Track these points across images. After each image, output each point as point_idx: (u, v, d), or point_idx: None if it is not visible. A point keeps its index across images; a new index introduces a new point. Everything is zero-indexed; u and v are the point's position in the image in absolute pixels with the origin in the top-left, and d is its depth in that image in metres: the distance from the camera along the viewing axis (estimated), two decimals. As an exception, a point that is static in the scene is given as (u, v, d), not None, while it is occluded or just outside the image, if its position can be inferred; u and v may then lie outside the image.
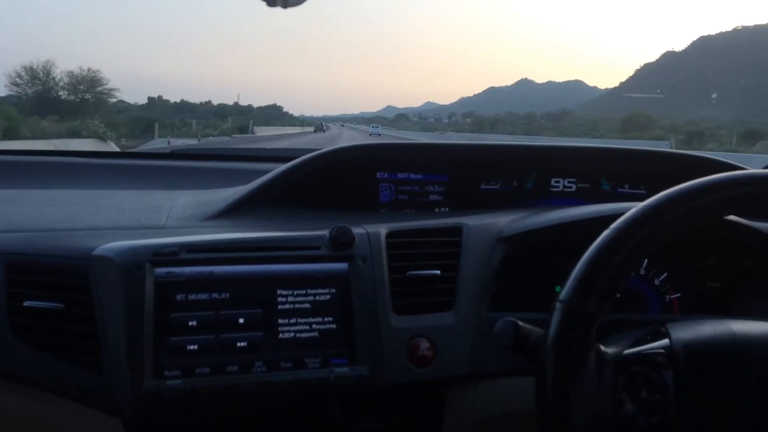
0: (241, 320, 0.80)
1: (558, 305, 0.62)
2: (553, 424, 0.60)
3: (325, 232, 0.87)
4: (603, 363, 0.62)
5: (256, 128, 40.96)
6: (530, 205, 1.19)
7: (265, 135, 35.93)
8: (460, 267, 0.92)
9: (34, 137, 18.77)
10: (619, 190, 1.23)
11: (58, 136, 20.37)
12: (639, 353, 0.64)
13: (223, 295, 0.81)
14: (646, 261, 1.04)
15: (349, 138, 28.88)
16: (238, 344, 0.79)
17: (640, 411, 0.60)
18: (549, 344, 0.61)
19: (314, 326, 0.82)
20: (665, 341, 0.63)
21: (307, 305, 0.83)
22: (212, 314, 0.80)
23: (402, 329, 0.86)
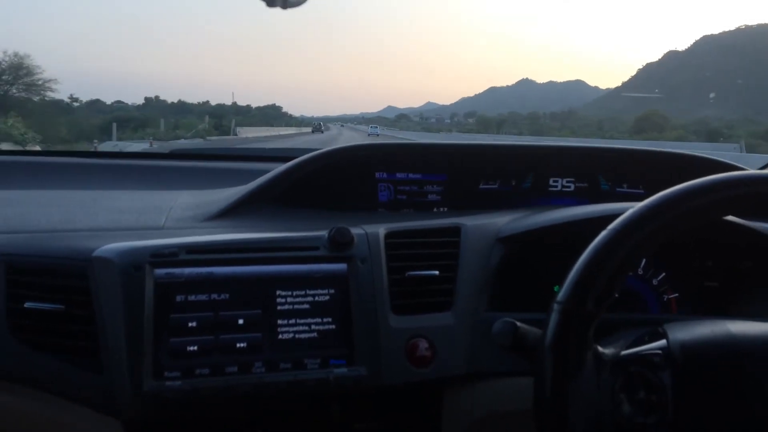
0: (241, 321, 0.81)
1: (555, 306, 0.62)
2: (551, 424, 0.60)
3: (324, 233, 0.87)
4: (601, 363, 0.63)
5: (240, 129, 36.63)
6: (529, 204, 1.20)
7: (251, 137, 30.98)
8: (458, 267, 0.92)
9: None
10: (618, 189, 1.23)
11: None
12: (636, 354, 0.64)
13: (222, 296, 0.81)
14: (644, 261, 1.04)
15: (349, 138, 27.14)
16: (238, 345, 0.79)
17: (638, 411, 0.60)
18: (547, 345, 0.61)
19: (313, 327, 0.83)
20: (662, 342, 0.63)
21: (306, 306, 0.83)
22: (212, 315, 0.80)
23: (400, 329, 0.86)
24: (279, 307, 0.82)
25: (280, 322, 0.82)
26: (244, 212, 1.07)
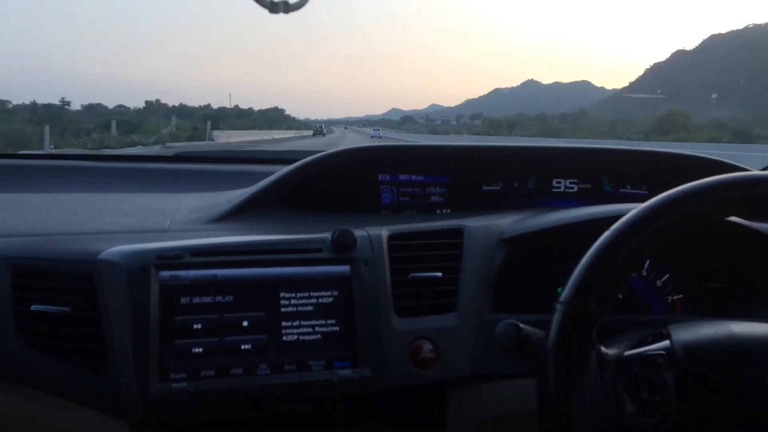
0: (245, 323, 0.81)
1: (558, 307, 0.62)
2: (555, 425, 0.60)
3: (327, 235, 0.87)
4: (604, 364, 0.63)
5: (217, 133, 29.60)
6: (532, 206, 1.20)
7: (233, 141, 24.14)
8: (461, 269, 0.92)
9: None
10: (621, 190, 1.23)
11: None
12: (640, 354, 0.64)
13: (227, 298, 0.81)
14: (648, 262, 1.04)
15: (352, 141, 25.19)
16: (243, 347, 0.80)
17: (641, 412, 0.60)
18: (550, 346, 0.61)
19: (317, 329, 0.83)
20: (666, 342, 0.63)
21: (309, 308, 0.83)
22: (216, 317, 0.80)
23: (404, 331, 0.86)
24: (283, 309, 0.83)
25: (284, 323, 0.82)
26: (248, 214, 1.07)
